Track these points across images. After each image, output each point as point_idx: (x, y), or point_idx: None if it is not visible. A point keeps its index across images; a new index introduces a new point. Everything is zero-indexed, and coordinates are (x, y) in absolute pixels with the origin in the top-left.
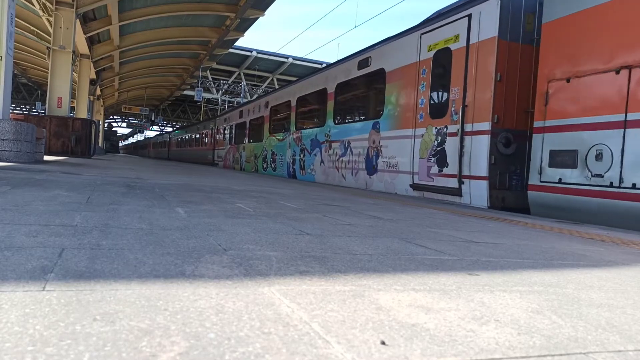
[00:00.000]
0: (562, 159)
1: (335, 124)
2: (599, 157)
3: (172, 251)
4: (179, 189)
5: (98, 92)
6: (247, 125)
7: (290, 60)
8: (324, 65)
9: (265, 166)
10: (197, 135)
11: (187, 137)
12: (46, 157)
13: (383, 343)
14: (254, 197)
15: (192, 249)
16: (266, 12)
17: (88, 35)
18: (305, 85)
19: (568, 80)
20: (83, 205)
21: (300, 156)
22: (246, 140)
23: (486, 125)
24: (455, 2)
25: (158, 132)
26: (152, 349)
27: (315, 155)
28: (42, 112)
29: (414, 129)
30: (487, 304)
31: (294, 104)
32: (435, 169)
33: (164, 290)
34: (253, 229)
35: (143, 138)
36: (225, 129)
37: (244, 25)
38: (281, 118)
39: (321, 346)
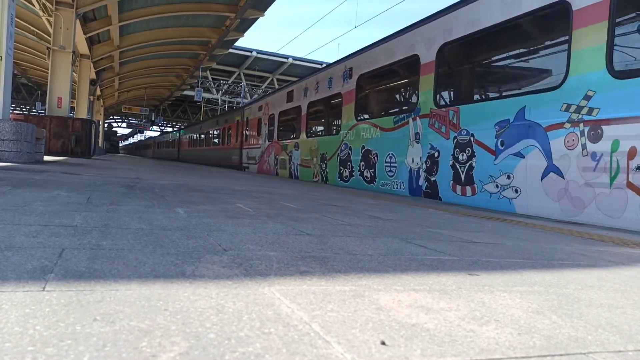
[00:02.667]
0: None
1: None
2: None
3: (172, 251)
4: (179, 189)
5: (98, 92)
6: (304, 111)
7: (290, 60)
8: (324, 65)
9: (346, 173)
10: (217, 131)
11: (202, 134)
12: (46, 158)
13: (383, 343)
14: (254, 197)
15: (192, 249)
16: (266, 13)
17: (88, 35)
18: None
19: None
20: (83, 206)
21: (462, 156)
22: (302, 134)
23: None
24: None
25: (164, 131)
26: (152, 349)
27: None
28: (42, 113)
29: None
30: (487, 304)
31: (429, 59)
32: None
33: (164, 290)
34: (253, 229)
35: (146, 137)
36: (260, 120)
37: (244, 25)
38: (393, 90)
39: (321, 346)
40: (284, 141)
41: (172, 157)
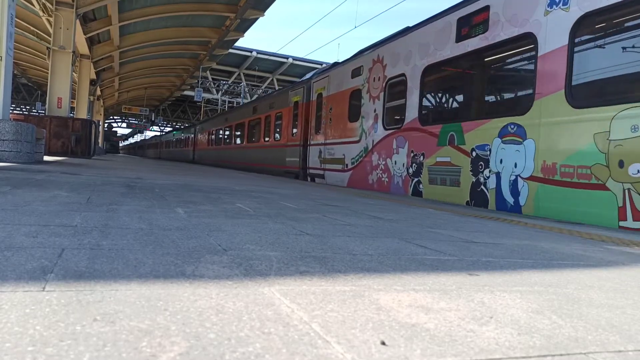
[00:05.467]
0: None
1: None
2: None
3: (172, 251)
4: (179, 189)
5: (98, 92)
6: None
7: (290, 60)
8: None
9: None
10: (254, 123)
11: (228, 129)
12: (46, 158)
13: (383, 343)
14: (254, 197)
15: (192, 249)
16: (266, 12)
17: (88, 35)
18: None
19: None
20: (83, 206)
21: None
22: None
23: None
24: None
25: (176, 128)
26: (152, 349)
27: None
28: (42, 113)
29: None
30: (487, 304)
31: None
32: None
33: (164, 290)
34: (253, 229)
35: (150, 136)
36: (357, 95)
37: (244, 25)
38: None
39: (321, 346)
40: (458, 124)
41: (186, 159)
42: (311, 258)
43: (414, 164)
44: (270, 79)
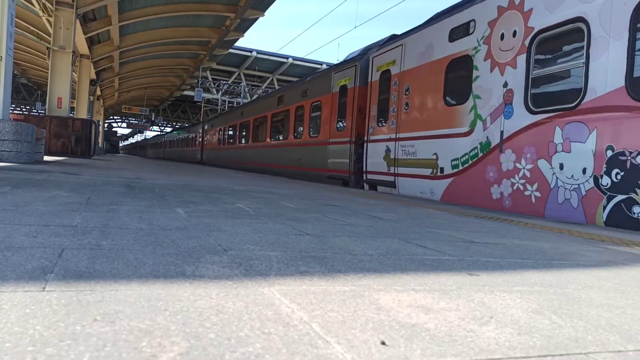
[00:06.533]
0: None
1: None
2: None
3: (172, 251)
4: (179, 189)
5: (98, 92)
6: None
7: (290, 60)
8: (324, 65)
9: None
10: (280, 117)
11: (245, 125)
12: (46, 158)
13: (383, 343)
14: (254, 197)
15: (192, 249)
16: (266, 12)
17: (88, 35)
18: None
19: None
20: (83, 206)
21: None
22: None
23: None
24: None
25: (181, 126)
26: (152, 349)
27: None
28: (42, 113)
29: None
30: (487, 304)
31: None
32: None
33: (164, 290)
34: (253, 229)
35: (151, 135)
36: (482, 71)
37: (244, 25)
38: None
39: (321, 346)
40: None
41: (193, 160)
42: (311, 258)
43: (615, 171)
44: (270, 79)
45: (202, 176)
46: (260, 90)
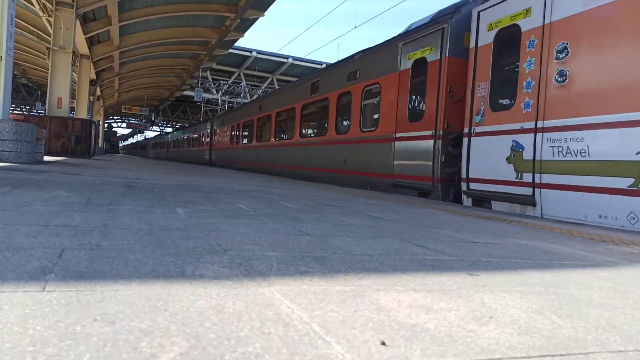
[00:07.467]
0: None
1: None
2: None
3: (172, 251)
4: (179, 189)
5: (98, 92)
6: None
7: (290, 60)
8: (324, 65)
9: None
10: (320, 106)
11: (267, 119)
12: (46, 158)
13: (383, 343)
14: (254, 197)
15: (192, 249)
16: (266, 12)
17: (88, 35)
18: None
19: None
20: (83, 206)
21: None
22: None
23: None
24: None
25: (191, 123)
26: (152, 349)
27: None
28: (42, 113)
29: None
30: (487, 304)
31: None
32: None
33: (164, 290)
34: (253, 230)
35: (153, 135)
36: None
37: (244, 25)
38: None
39: (321, 346)
40: None
41: (201, 161)
42: (311, 258)
43: None
44: (270, 79)
45: (202, 176)
46: (260, 91)
